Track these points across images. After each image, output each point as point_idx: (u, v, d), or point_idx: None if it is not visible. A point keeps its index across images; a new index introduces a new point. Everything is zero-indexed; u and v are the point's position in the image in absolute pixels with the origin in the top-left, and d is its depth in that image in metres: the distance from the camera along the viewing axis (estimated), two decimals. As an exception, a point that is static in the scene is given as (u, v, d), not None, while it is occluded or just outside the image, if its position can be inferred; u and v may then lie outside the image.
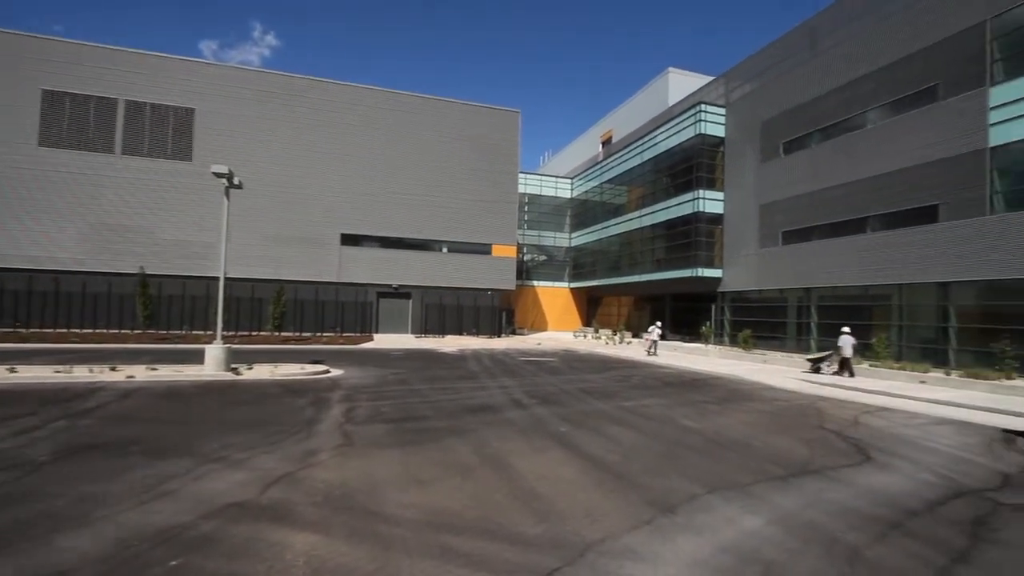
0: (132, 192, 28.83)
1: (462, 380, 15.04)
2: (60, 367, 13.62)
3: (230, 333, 26.73)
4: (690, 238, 29.18)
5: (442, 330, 34.47)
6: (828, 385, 15.41)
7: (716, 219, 29.06)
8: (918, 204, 18.87)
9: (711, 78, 31.77)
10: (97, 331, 26.61)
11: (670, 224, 31.34)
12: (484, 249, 35.64)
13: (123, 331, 27.02)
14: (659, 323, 27.40)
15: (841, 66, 21.99)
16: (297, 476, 6.12)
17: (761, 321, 26.32)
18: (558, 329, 45.77)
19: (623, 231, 37.36)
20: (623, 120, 43.56)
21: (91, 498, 5.23)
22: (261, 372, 14.72)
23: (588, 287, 44.43)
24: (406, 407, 10.69)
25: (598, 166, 42.29)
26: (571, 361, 21.95)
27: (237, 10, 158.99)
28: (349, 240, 32.66)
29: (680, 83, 37.78)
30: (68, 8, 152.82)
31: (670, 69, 39.07)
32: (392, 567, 4.03)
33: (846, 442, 8.70)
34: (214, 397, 11.28)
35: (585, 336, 40.69)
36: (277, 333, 28.80)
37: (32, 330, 25.23)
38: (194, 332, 27.91)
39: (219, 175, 14.81)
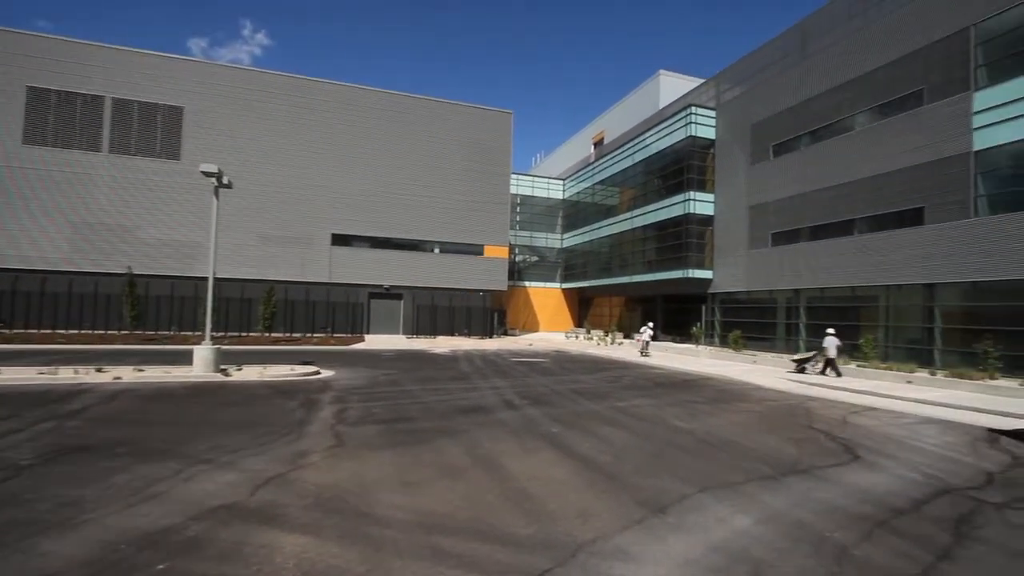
0: (119, 191, 28.45)
1: (453, 381, 15.01)
2: (45, 368, 13.41)
3: (219, 334, 26.49)
4: (681, 239, 29.36)
5: (433, 331, 34.39)
6: (817, 385, 15.58)
7: (707, 220, 29.26)
8: (905, 207, 19.13)
9: (702, 80, 32.01)
10: (83, 332, 26.23)
11: (661, 225, 31.51)
12: (476, 250, 35.62)
13: (110, 332, 26.65)
14: (651, 324, 27.58)
15: (829, 70, 22.25)
16: (287, 477, 6.07)
17: (751, 322, 26.54)
18: (550, 330, 45.83)
19: (615, 232, 37.51)
20: (615, 122, 43.74)
21: (76, 501, 5.15)
22: (250, 373, 14.59)
23: (580, 288, 44.54)
24: (397, 408, 10.65)
25: (590, 167, 42.43)
26: (563, 362, 21.98)
27: (227, 8, 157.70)
28: (340, 240, 32.48)
29: (671, 85, 38.04)
30: (54, 3, 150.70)
31: (661, 71, 39.30)
32: (383, 569, 4.01)
33: (834, 442, 8.80)
34: (203, 398, 11.16)
35: (577, 337, 40.78)
36: (267, 334, 28.58)
37: (16, 331, 24.83)
38: (182, 333, 27.60)
39: (208, 174, 14.68)
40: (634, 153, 34.71)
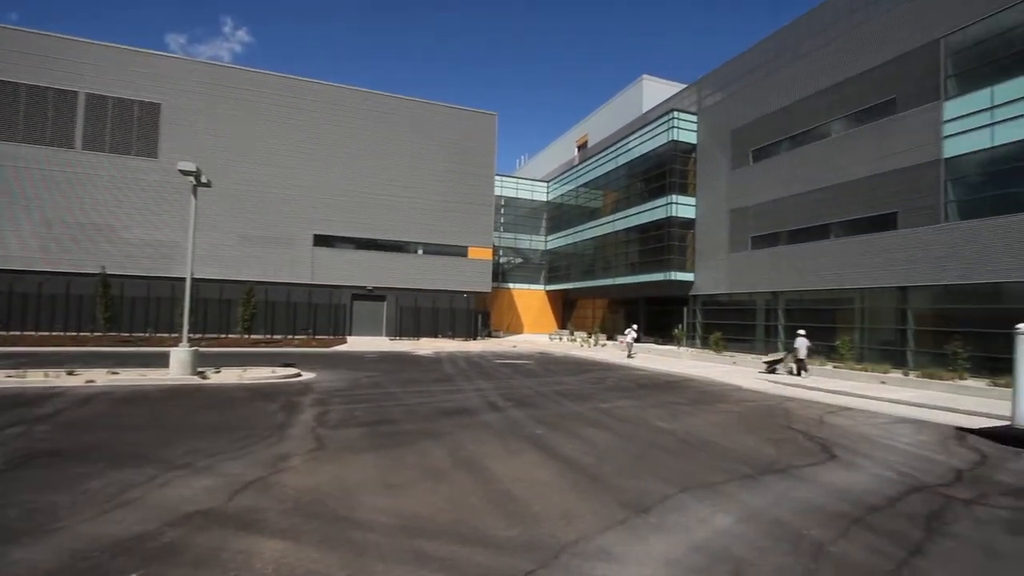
0: (93, 189, 27.71)
1: (437, 383, 14.94)
2: (12, 371, 12.97)
3: (197, 336, 25.92)
4: (663, 242, 29.69)
5: (417, 332, 34.18)
6: (794, 386, 15.90)
7: (688, 224, 29.65)
8: (879, 212, 19.64)
9: (684, 85, 32.46)
10: (55, 334, 25.45)
11: (643, 228, 31.84)
12: (460, 251, 35.53)
13: (82, 334, 25.89)
14: (635, 326, 27.82)
15: (807, 77, 22.76)
16: (267, 482, 5.98)
17: (731, 324, 26.95)
18: (534, 332, 45.92)
19: (598, 235, 37.78)
20: (599, 125, 44.09)
21: (47, 508, 5.00)
22: (229, 376, 14.32)
23: (564, 290, 44.73)
24: (380, 410, 10.56)
25: (574, 170, 42.68)
26: (547, 363, 22.04)
27: (205, 3, 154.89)
28: (322, 241, 32.11)
29: (654, 90, 38.53)
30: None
31: (644, 76, 39.78)
32: (365, 573, 3.97)
33: (812, 441, 8.98)
34: (180, 402, 10.92)
35: (561, 339, 40.93)
36: (247, 336, 28.06)
37: (-18, 333, 23.98)
38: (159, 335, 26.95)
39: (186, 172, 14.37)
40: (617, 156, 35.03)
